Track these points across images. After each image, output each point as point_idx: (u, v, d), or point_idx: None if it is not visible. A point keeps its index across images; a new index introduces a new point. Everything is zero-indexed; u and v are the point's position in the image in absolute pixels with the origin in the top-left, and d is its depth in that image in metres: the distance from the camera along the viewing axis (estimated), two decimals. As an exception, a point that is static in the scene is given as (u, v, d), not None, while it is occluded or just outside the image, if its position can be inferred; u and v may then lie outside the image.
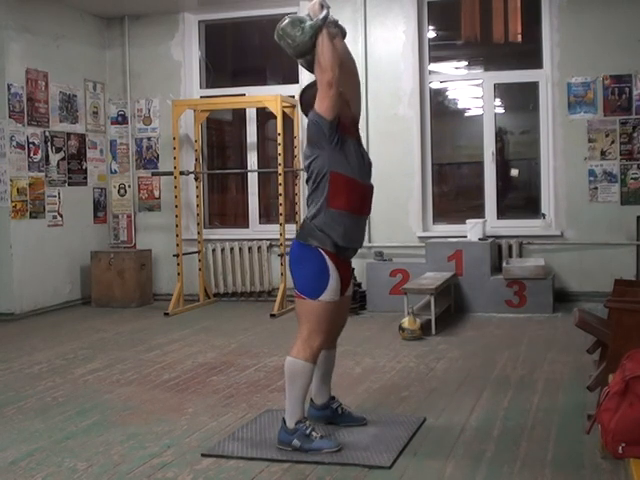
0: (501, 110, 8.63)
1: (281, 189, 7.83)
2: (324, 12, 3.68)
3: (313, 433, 3.72)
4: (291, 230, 7.67)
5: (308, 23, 3.68)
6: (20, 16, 7.99)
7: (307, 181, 3.85)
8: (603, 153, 7.86)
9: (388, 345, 6.20)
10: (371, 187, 3.90)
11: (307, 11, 3.76)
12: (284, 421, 3.77)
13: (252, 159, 8.97)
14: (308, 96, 3.86)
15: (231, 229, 9.26)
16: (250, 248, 8.78)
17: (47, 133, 8.32)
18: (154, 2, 8.64)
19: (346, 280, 3.89)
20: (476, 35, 9.06)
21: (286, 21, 3.73)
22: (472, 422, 4.16)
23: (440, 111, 8.77)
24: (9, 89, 7.82)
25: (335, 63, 3.63)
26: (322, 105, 3.65)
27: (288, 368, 3.74)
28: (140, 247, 9.11)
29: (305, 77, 8.52)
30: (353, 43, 8.40)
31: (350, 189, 3.74)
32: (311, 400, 4.11)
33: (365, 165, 3.87)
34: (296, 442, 3.70)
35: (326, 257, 3.73)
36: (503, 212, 8.41)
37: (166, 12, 8.90)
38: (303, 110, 3.93)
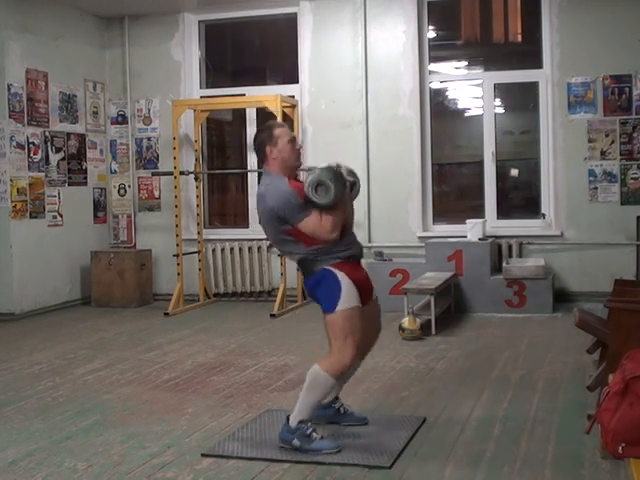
0: (501, 110, 8.63)
1: (281, 189, 7.81)
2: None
3: (314, 434, 3.72)
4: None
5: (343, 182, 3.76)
6: (20, 16, 7.99)
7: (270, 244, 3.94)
8: (603, 153, 7.86)
9: (388, 345, 6.19)
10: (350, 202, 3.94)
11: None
12: (287, 419, 3.77)
13: (252, 159, 8.95)
14: (261, 139, 3.88)
15: (231, 229, 9.26)
16: (250, 248, 8.78)
17: (47, 133, 8.31)
18: (154, 2, 8.63)
19: (362, 284, 3.85)
20: (476, 35, 9.06)
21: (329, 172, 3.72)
22: (472, 422, 4.16)
23: (440, 111, 8.76)
24: (9, 89, 7.81)
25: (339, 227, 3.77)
26: (310, 224, 3.71)
27: (312, 376, 3.72)
28: (140, 247, 9.10)
29: (305, 77, 8.54)
30: (353, 43, 8.42)
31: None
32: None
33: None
34: (296, 442, 3.70)
35: (333, 269, 3.76)
36: (503, 212, 8.42)
37: (166, 12, 8.90)
38: (257, 154, 3.96)
